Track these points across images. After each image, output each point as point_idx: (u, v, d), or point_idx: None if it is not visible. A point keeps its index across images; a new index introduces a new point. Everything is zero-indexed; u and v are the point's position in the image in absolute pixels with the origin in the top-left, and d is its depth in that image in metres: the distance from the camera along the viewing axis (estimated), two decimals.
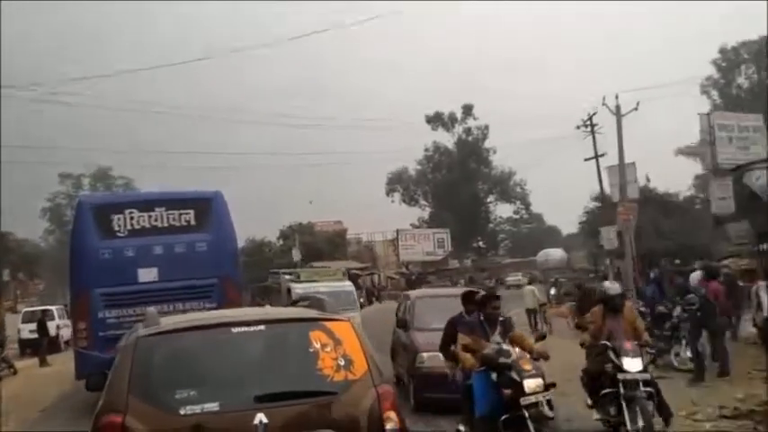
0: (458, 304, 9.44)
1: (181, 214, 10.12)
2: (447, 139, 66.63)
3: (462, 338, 6.58)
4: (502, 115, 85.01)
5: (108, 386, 3.99)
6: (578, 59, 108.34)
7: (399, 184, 67.13)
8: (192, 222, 10.17)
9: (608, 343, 6.74)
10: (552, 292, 31.52)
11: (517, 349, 6.21)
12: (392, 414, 4.01)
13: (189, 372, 3.96)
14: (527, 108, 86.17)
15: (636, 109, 21.13)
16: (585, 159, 33.01)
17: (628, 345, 6.67)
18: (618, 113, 21.39)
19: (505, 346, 6.16)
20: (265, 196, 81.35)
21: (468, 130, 65.81)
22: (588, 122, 32.79)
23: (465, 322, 7.04)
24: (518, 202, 68.78)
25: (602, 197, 33.58)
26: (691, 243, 33.55)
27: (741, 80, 58.88)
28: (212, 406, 3.74)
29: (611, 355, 6.64)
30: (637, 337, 6.92)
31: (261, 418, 3.72)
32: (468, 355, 6.39)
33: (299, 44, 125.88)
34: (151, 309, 4.62)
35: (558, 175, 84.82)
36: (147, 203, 10.39)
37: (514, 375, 5.84)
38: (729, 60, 58.07)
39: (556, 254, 56.78)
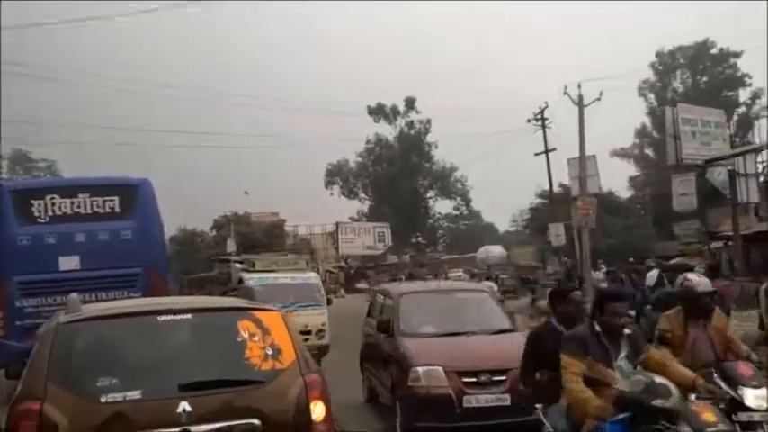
0: (453, 302, 7.95)
1: (105, 201, 9.83)
2: (389, 132, 65.69)
3: (572, 363, 4.13)
4: (444, 110, 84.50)
5: (26, 373, 3.91)
6: (524, 55, 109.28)
7: (339, 176, 65.74)
8: (117, 210, 9.89)
9: (710, 366, 4.66)
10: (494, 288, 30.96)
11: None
12: (319, 403, 4.01)
13: (111, 359, 3.90)
14: (469, 103, 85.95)
15: (599, 99, 20.41)
16: (536, 154, 32.46)
17: (745, 368, 4.59)
18: (580, 104, 20.57)
19: (659, 379, 3.90)
20: (198, 182, 78.07)
21: (410, 124, 64.97)
22: (539, 116, 32.21)
23: (573, 337, 4.37)
24: (458, 199, 68.49)
25: (551, 193, 33.14)
26: (633, 242, 33.66)
27: (676, 84, 60.08)
28: (134, 394, 3.71)
29: (723, 385, 4.46)
30: (734, 353, 4.92)
31: (184, 406, 3.70)
32: (590, 393, 4.03)
33: (241, 13, 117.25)
34: (73, 295, 4.48)
35: (497, 172, 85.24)
36: (70, 189, 10.00)
37: (685, 430, 3.72)
38: (666, 64, 59.25)
39: (495, 250, 58.34)
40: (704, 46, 57.23)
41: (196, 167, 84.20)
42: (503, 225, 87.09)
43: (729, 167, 19.79)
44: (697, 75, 58.62)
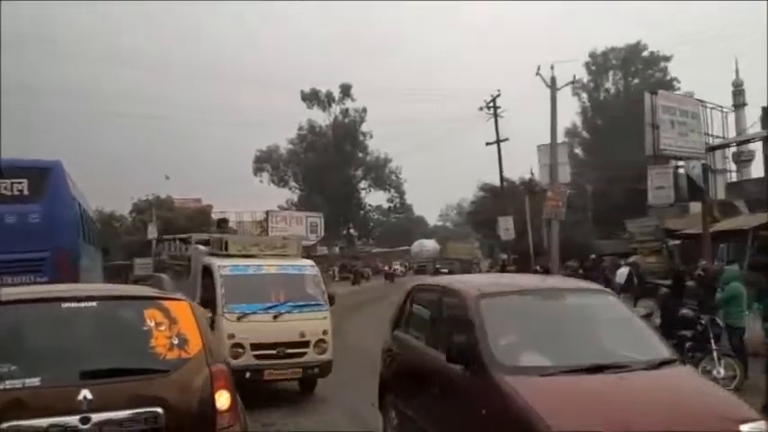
0: (569, 312, 5.15)
1: (13, 184, 9.64)
2: (323, 119, 63.45)
3: None
4: (386, 96, 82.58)
5: None
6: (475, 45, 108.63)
7: (269, 162, 62.95)
8: (26, 193, 9.69)
9: None
10: None
11: None
12: (224, 393, 4.03)
13: (11, 345, 3.89)
14: (413, 89, 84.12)
15: (573, 82, 19.20)
16: (487, 144, 31.16)
17: None
18: (553, 86, 19.25)
19: None
20: (116, 159, 73.36)
21: (345, 112, 63.08)
22: (491, 105, 30.92)
23: None
24: (392, 191, 67.20)
25: (501, 185, 31.95)
26: (580, 238, 33.03)
27: (609, 85, 60.79)
28: (34, 381, 3.70)
29: None
30: None
31: (85, 394, 3.70)
32: None
33: None
34: None
35: (433, 165, 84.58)
36: None
37: None
38: (599, 65, 59.82)
39: (429, 244, 59.84)
40: (636, 48, 58.13)
41: (115, 142, 78.57)
42: (432, 219, 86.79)
43: (703, 162, 19.03)
44: (629, 77, 59.48)
